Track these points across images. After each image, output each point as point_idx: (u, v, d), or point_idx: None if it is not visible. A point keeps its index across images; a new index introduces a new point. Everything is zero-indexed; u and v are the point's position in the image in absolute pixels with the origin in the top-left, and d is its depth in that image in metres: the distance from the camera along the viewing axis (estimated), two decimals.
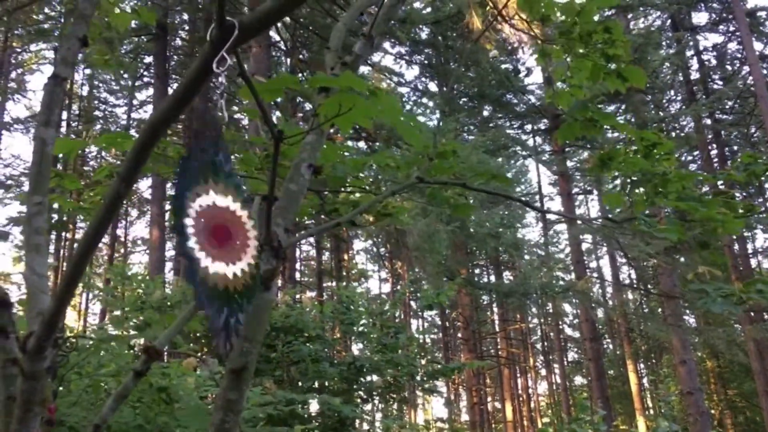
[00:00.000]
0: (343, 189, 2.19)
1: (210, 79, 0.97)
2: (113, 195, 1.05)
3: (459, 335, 23.99)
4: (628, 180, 2.06)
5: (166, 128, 1.00)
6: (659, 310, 21.41)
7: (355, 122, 1.39)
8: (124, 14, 2.39)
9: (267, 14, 0.88)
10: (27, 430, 1.28)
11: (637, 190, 2.03)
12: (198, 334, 6.52)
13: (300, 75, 13.15)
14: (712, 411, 22.01)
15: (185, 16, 16.26)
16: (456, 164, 1.86)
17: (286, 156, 1.77)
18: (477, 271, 24.51)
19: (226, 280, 0.97)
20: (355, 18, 1.84)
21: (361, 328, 7.19)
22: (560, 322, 28.67)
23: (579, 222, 13.70)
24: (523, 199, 4.58)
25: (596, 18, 2.18)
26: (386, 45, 16.00)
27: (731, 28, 19.07)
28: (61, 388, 3.37)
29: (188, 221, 0.94)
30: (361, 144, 13.26)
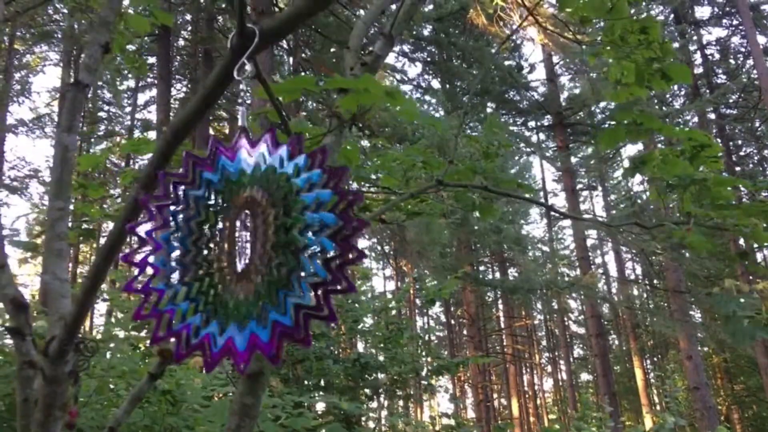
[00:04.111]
0: (367, 189, 2.19)
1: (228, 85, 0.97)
2: (133, 202, 1.06)
3: (464, 332, 23.99)
4: (664, 183, 1.99)
5: (185, 135, 1.01)
6: (665, 305, 21.37)
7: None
8: (141, 18, 2.40)
9: (288, 20, 0.88)
10: None
11: (678, 193, 1.97)
12: None
13: (305, 73, 13.14)
14: (719, 406, 21.95)
15: (188, 17, 16.27)
16: (491, 169, 1.85)
17: None
18: (482, 268, 24.50)
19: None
20: (376, 17, 1.84)
21: (367, 323, 7.21)
22: (566, 319, 28.65)
23: (585, 220, 13.67)
24: (546, 203, 4.56)
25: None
26: None
27: (735, 22, 19.01)
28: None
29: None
30: (365, 143, 13.23)
